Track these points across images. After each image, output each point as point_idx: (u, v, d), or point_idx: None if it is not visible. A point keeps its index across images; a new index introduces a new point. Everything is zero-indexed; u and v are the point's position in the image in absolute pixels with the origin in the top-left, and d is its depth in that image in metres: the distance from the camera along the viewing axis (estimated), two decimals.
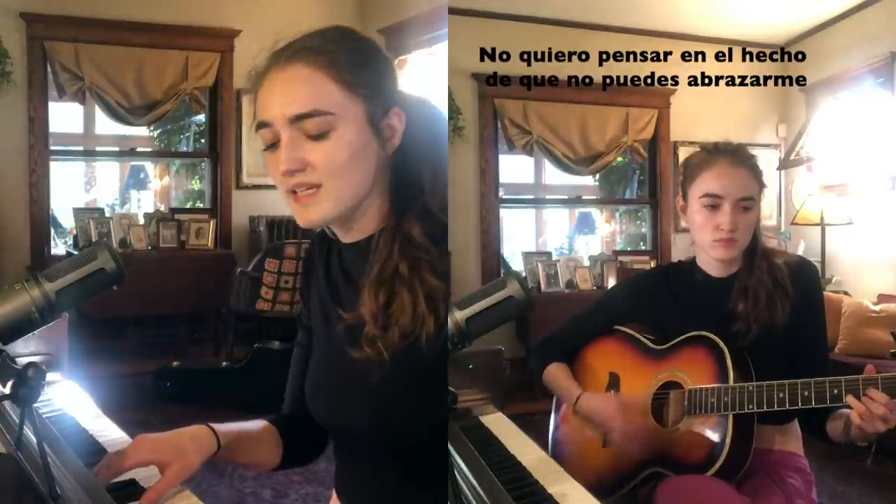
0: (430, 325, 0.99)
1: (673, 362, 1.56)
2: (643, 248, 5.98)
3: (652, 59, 5.55)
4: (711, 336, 1.50)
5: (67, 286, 1.00)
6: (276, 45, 1.03)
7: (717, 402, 1.44)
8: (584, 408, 1.62)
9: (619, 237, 6.53)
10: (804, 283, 1.54)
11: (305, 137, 0.99)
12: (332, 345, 1.12)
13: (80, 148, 6.21)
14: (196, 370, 4.37)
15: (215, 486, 3.07)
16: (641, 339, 1.67)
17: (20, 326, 0.98)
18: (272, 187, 1.06)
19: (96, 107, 5.46)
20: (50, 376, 1.33)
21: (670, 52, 5.59)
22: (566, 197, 6.47)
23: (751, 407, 1.40)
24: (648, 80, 5.52)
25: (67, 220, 5.72)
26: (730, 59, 5.75)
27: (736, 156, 1.53)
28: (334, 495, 1.24)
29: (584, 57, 5.42)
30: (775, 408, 1.38)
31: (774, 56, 5.85)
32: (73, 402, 1.58)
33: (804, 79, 5.41)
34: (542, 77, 5.33)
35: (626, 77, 5.50)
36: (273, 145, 1.01)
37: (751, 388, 1.41)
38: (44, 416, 1.43)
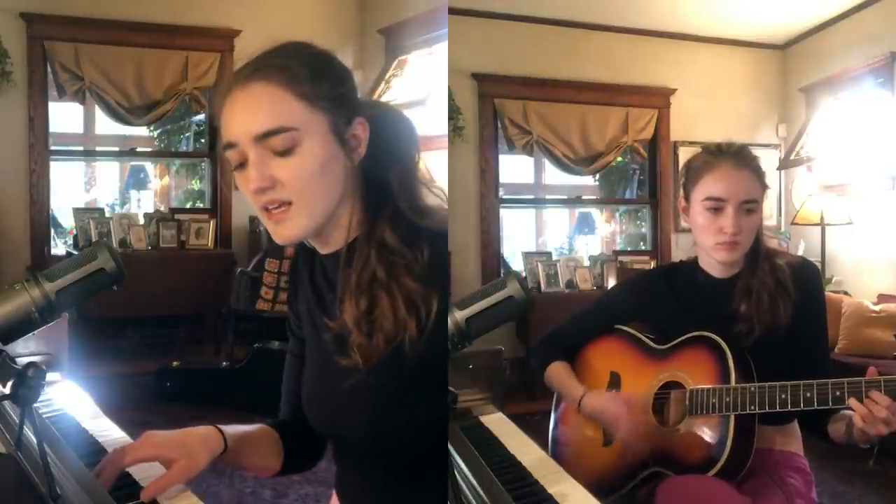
0: (412, 328, 1.00)
1: (674, 362, 1.56)
2: (643, 248, 5.98)
3: (652, 60, 5.57)
4: (713, 336, 1.50)
5: (67, 286, 1.00)
6: (236, 65, 1.04)
7: (718, 402, 1.43)
8: (589, 407, 1.61)
9: (619, 237, 6.53)
10: (806, 283, 1.54)
11: (272, 154, 0.99)
12: (321, 353, 1.12)
13: (80, 148, 6.20)
14: (196, 370, 4.37)
15: (215, 486, 3.07)
16: (643, 338, 1.67)
17: (20, 326, 0.98)
18: None
19: (96, 107, 5.45)
20: (50, 376, 1.33)
21: (670, 53, 5.62)
22: (566, 197, 6.47)
23: (752, 408, 1.40)
24: (648, 81, 5.55)
25: (67, 220, 5.71)
26: (730, 60, 5.78)
27: (739, 158, 1.52)
28: (334, 495, 1.24)
29: (584, 57, 5.45)
30: (777, 409, 1.38)
31: (774, 56, 5.87)
32: (73, 402, 1.57)
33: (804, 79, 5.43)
34: (542, 77, 5.36)
35: (625, 77, 5.53)
36: (241, 165, 1.01)
37: (752, 388, 1.40)
38: (44, 416, 1.43)
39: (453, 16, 5.00)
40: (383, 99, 5.34)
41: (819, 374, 1.39)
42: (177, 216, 5.37)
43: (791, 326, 1.50)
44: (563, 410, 1.76)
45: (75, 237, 5.29)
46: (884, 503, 3.22)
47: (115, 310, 4.72)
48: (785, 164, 5.73)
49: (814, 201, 5.04)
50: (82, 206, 5.83)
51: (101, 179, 6.55)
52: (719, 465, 1.40)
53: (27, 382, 0.90)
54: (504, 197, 5.62)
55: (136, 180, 6.61)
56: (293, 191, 1.00)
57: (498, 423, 1.64)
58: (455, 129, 5.10)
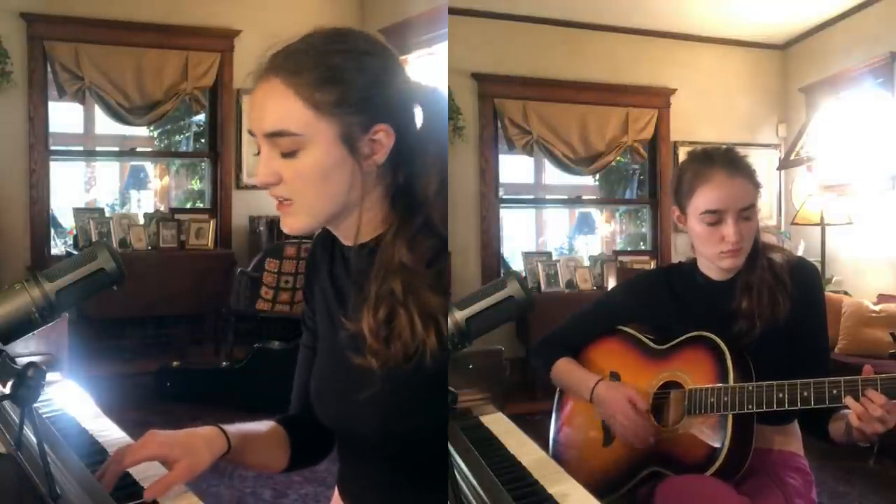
0: (431, 341, 1.00)
1: (673, 362, 1.56)
2: (643, 248, 5.99)
3: (652, 60, 5.57)
4: (712, 336, 1.50)
5: (67, 286, 1.00)
6: (268, 51, 1.03)
7: (716, 402, 1.44)
8: (600, 395, 1.60)
9: (619, 237, 6.54)
10: (804, 280, 1.54)
11: (279, 152, 1.01)
12: (336, 347, 1.12)
13: (80, 148, 6.20)
14: (196, 370, 4.37)
15: (215, 486, 3.07)
16: (642, 338, 1.67)
17: (20, 326, 0.98)
18: None
19: (96, 107, 5.46)
20: (50, 376, 1.33)
21: (670, 53, 5.62)
22: (566, 197, 6.47)
23: (750, 407, 1.40)
24: (648, 81, 5.55)
25: (67, 220, 5.72)
26: (730, 60, 5.78)
27: (731, 164, 1.50)
28: (335, 495, 1.24)
29: (584, 57, 5.45)
30: (775, 408, 1.38)
31: (774, 56, 5.87)
32: (73, 402, 1.57)
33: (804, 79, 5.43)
34: (542, 77, 5.35)
35: (626, 77, 5.53)
36: (259, 153, 1.04)
37: (750, 388, 1.41)
38: (44, 416, 1.43)
39: (453, 16, 5.00)
40: None
41: (818, 373, 1.39)
42: (177, 216, 5.37)
43: (790, 325, 1.50)
44: (568, 412, 1.75)
45: (75, 237, 5.29)
46: (884, 503, 3.22)
47: (116, 310, 4.72)
48: (785, 164, 5.73)
49: (814, 201, 5.04)
50: (82, 206, 5.84)
51: (101, 179, 6.56)
52: (717, 464, 1.40)
53: (27, 382, 0.90)
54: (504, 197, 5.62)
55: (136, 180, 6.62)
56: (294, 190, 1.01)
57: (498, 423, 1.63)
58: (455, 129, 5.11)
